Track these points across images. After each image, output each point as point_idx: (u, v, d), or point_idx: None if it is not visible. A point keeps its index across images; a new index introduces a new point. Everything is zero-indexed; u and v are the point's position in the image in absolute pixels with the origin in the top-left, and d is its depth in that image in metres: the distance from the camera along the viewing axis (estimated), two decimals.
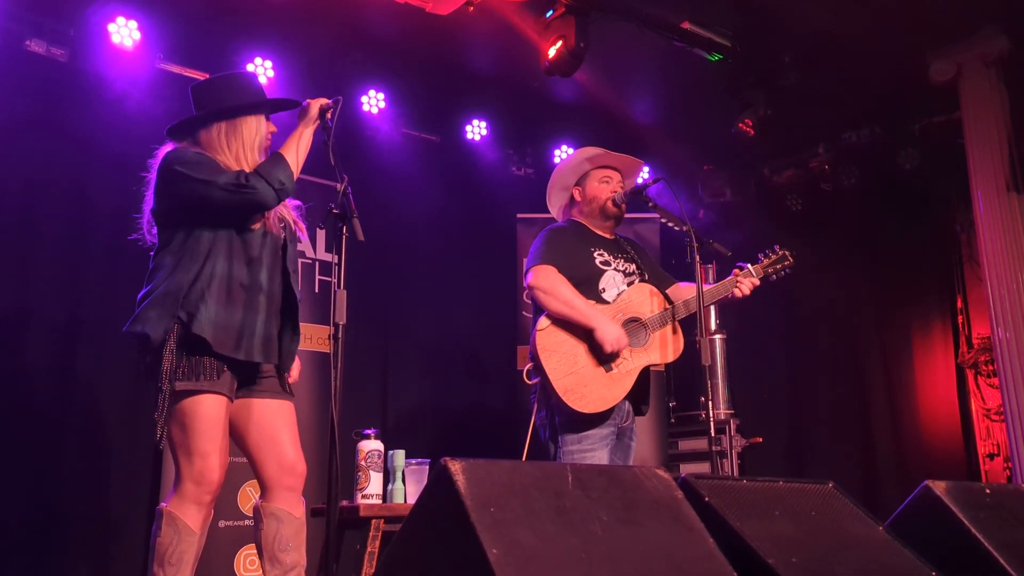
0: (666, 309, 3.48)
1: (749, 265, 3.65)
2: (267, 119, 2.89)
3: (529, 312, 4.17)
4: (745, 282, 3.57)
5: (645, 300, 3.50)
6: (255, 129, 2.82)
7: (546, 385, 3.31)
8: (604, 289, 3.46)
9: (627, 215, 3.72)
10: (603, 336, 3.30)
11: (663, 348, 3.47)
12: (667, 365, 5.83)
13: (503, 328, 5.96)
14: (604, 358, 3.35)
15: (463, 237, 6.06)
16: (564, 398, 3.25)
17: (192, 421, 2.58)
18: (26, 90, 4.58)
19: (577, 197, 3.67)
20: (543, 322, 3.39)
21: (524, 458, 3.39)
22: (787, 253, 3.68)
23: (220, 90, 2.85)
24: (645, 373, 3.46)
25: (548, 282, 3.37)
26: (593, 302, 3.41)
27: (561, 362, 3.31)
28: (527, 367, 3.39)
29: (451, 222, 6.02)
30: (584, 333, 3.36)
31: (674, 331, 3.50)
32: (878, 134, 6.16)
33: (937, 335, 6.53)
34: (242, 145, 2.79)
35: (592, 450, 3.29)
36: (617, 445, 3.42)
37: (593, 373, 3.33)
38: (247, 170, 2.74)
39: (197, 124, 2.81)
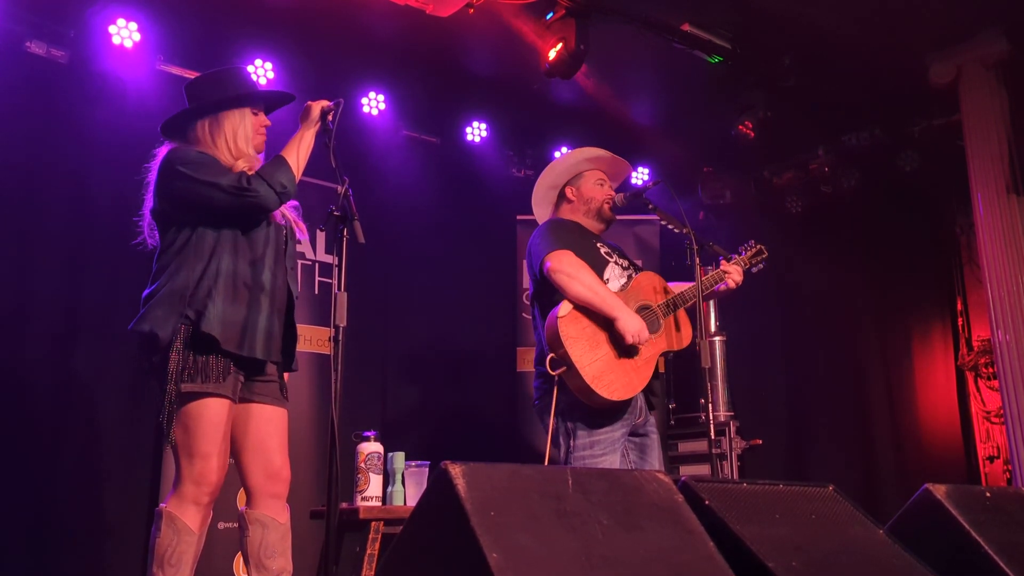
0: (671, 297, 3.48)
1: (735, 255, 3.69)
2: (256, 112, 2.89)
3: (528, 314, 4.13)
4: (733, 270, 3.59)
5: (652, 287, 3.49)
6: (238, 121, 2.83)
7: (569, 376, 3.19)
8: (608, 279, 3.42)
9: (627, 217, 3.72)
10: (625, 327, 3.23)
11: (676, 335, 3.45)
12: (667, 366, 5.80)
13: (503, 330, 5.95)
14: (625, 345, 3.28)
15: (463, 238, 6.05)
16: (592, 385, 3.15)
17: (196, 423, 2.59)
18: (26, 91, 4.57)
19: (571, 196, 3.62)
20: (564, 308, 3.25)
21: (547, 462, 3.32)
22: (762, 248, 3.79)
23: (207, 86, 2.86)
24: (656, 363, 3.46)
25: (571, 265, 3.29)
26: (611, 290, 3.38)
27: (586, 349, 3.21)
28: (550, 357, 3.21)
29: (451, 223, 6.01)
30: (604, 320, 3.28)
31: (681, 318, 3.50)
32: (878, 136, 6.16)
33: (937, 337, 6.53)
34: (225, 139, 2.80)
35: (604, 455, 3.23)
36: (638, 444, 3.39)
37: (617, 360, 3.26)
38: (236, 162, 2.75)
39: (186, 120, 2.83)
